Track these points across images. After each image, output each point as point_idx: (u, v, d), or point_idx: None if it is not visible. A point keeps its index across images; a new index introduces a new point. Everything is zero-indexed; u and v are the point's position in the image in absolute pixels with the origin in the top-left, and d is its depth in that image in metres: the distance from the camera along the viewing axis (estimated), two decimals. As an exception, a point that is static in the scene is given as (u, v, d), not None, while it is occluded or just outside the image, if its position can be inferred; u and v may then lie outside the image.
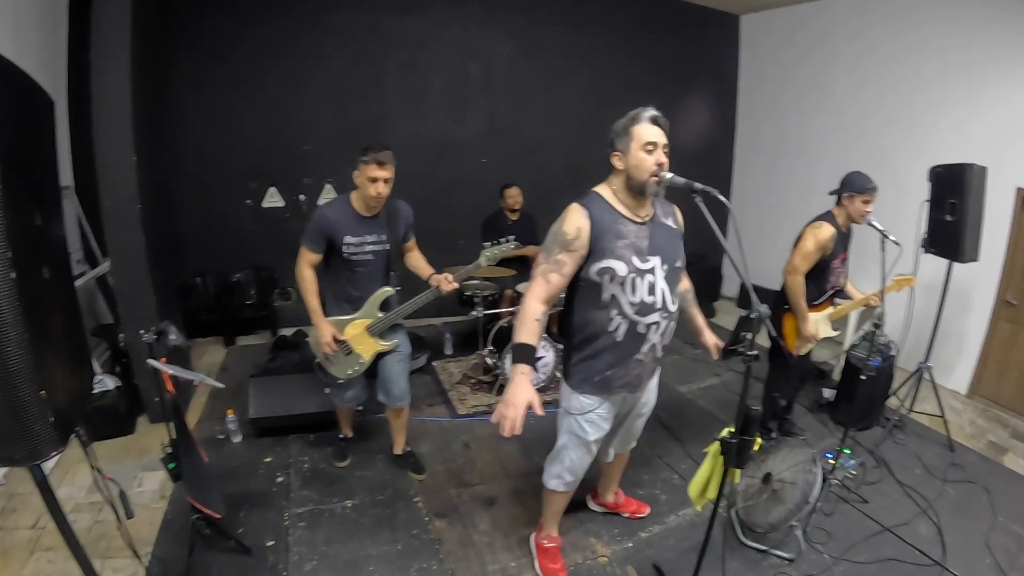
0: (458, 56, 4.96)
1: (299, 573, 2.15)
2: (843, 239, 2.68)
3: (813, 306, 2.71)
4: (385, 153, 2.18)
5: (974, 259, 3.09)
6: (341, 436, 2.94)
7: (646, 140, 1.63)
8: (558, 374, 3.82)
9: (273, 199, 4.67)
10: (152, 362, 1.79)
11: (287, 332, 4.42)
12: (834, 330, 2.85)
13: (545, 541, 2.20)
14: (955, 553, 2.31)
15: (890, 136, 4.47)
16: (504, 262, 4.10)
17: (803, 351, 2.80)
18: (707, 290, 6.17)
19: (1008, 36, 3.62)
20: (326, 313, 2.39)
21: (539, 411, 1.51)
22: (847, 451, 2.95)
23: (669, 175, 1.61)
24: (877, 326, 2.49)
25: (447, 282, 2.35)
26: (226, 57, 4.32)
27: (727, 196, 4.67)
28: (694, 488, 1.81)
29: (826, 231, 2.59)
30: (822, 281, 2.71)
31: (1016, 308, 3.73)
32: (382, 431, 2.88)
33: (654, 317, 1.73)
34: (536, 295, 1.67)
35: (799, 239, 2.67)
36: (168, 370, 1.79)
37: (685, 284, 1.98)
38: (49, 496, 1.28)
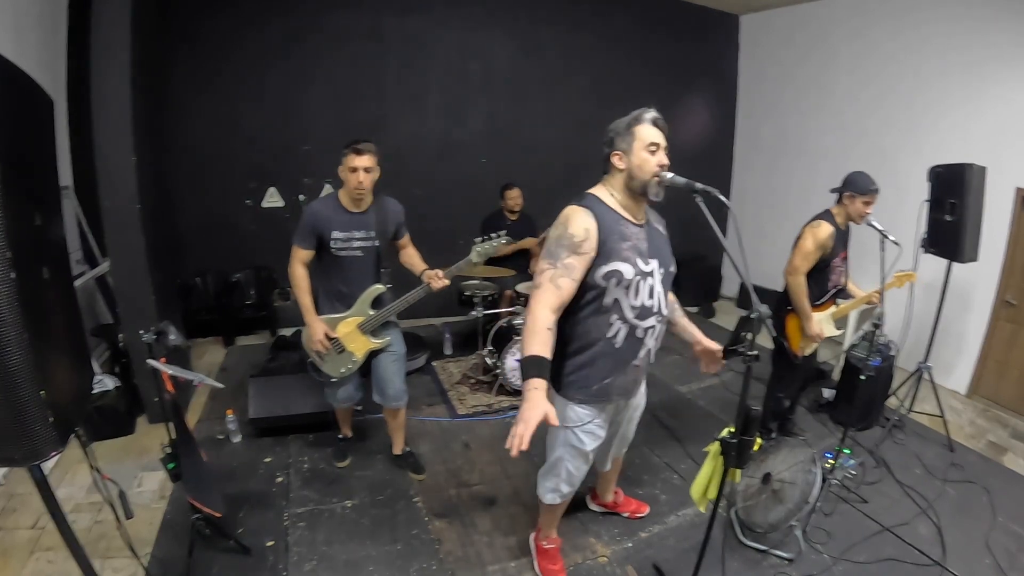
0: (458, 56, 4.96)
1: (299, 573, 2.15)
2: (842, 238, 2.68)
3: (816, 306, 2.71)
4: (364, 143, 2.20)
5: (974, 259, 3.09)
6: (341, 436, 2.94)
7: (650, 141, 1.63)
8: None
9: (273, 199, 4.67)
10: (152, 362, 1.79)
11: (287, 332, 4.42)
12: (837, 329, 2.85)
13: (544, 542, 2.20)
14: (955, 553, 2.31)
15: (890, 136, 4.47)
16: (503, 259, 4.13)
17: (807, 351, 2.80)
18: (707, 290, 6.17)
19: (1008, 36, 3.62)
20: (318, 311, 2.40)
21: (553, 422, 1.39)
22: (847, 451, 2.95)
23: (670, 175, 1.61)
24: (877, 326, 2.49)
25: (437, 278, 2.35)
26: (226, 57, 4.32)
27: (727, 196, 4.67)
28: (696, 489, 1.81)
29: (825, 230, 2.59)
30: (824, 281, 2.71)
31: (1016, 308, 3.74)
32: (382, 431, 2.88)
33: (651, 321, 1.72)
34: (545, 303, 1.54)
35: (798, 239, 2.67)
36: (168, 370, 1.79)
37: (671, 296, 1.90)
38: (49, 496, 1.28)
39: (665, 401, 3.66)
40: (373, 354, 2.51)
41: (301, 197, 4.70)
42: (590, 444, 1.86)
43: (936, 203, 3.13)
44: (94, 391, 2.95)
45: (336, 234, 2.30)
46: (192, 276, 4.57)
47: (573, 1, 5.24)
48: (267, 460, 2.90)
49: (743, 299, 5.98)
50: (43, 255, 1.20)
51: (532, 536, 2.30)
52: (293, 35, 4.44)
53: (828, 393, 3.60)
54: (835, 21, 4.94)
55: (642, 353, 1.76)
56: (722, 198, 1.49)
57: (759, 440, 1.66)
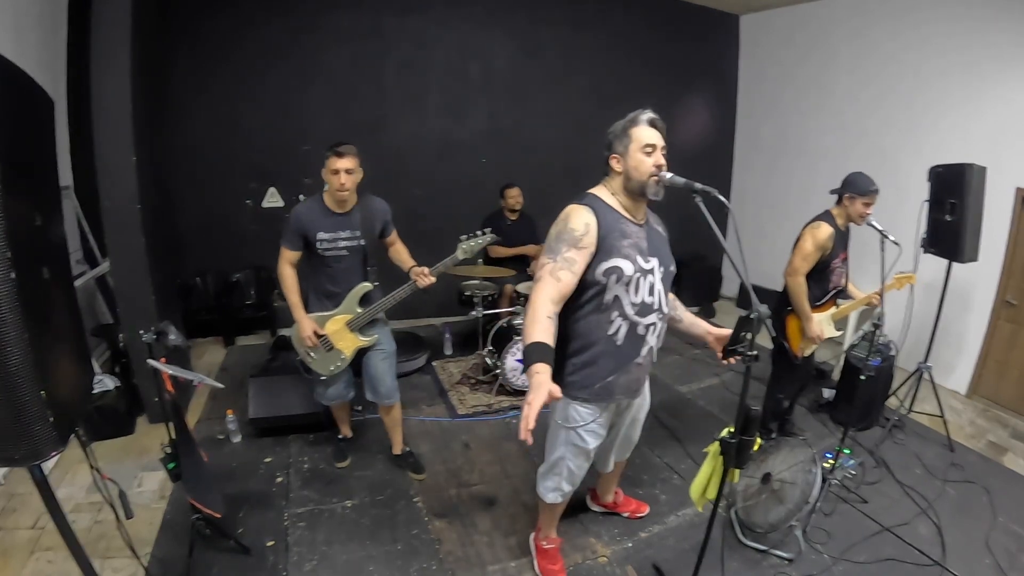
0: (458, 56, 4.96)
1: (299, 573, 2.15)
2: (842, 238, 2.68)
3: (816, 307, 2.71)
4: (345, 146, 2.24)
5: (974, 259, 3.09)
6: (340, 436, 2.94)
7: (645, 142, 1.63)
8: (558, 374, 3.82)
9: (273, 199, 4.67)
10: (152, 362, 1.79)
11: (287, 332, 4.38)
12: (837, 330, 2.85)
13: (544, 542, 2.20)
14: (955, 553, 2.31)
15: (890, 136, 4.47)
16: (503, 260, 4.13)
17: (807, 352, 2.80)
18: (707, 290, 6.17)
19: (1008, 36, 3.62)
20: (308, 310, 2.44)
21: (557, 395, 1.32)
22: (847, 451, 2.95)
23: (668, 175, 1.61)
24: (877, 326, 2.49)
25: (424, 276, 2.38)
26: (226, 57, 4.32)
27: (727, 196, 4.70)
28: (695, 489, 1.81)
29: (824, 231, 2.59)
30: (824, 281, 2.71)
31: (1016, 308, 3.74)
32: (381, 431, 2.88)
33: (652, 318, 1.72)
34: (545, 294, 1.53)
35: (798, 240, 2.68)
36: (168, 370, 1.79)
37: (670, 295, 1.92)
38: (49, 496, 1.28)
39: (665, 401, 3.66)
40: (362, 352, 2.54)
41: (301, 197, 4.69)
42: (592, 443, 1.87)
43: (936, 203, 3.13)
44: (94, 391, 2.95)
45: (322, 235, 2.34)
46: (192, 276, 4.58)
47: (573, 1, 5.24)
48: (267, 460, 2.90)
49: (743, 299, 5.98)
50: (43, 255, 1.20)
51: (532, 536, 2.30)
52: (293, 35, 4.44)
53: (828, 393, 3.60)
54: (835, 21, 4.94)
55: (644, 351, 1.76)
56: (721, 198, 1.49)
57: (759, 440, 1.66)
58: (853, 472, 2.83)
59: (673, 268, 1.81)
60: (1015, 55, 3.60)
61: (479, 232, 2.54)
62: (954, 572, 2.21)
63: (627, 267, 1.63)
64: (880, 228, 2.43)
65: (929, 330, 3.38)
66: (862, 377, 2.56)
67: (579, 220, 1.61)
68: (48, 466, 2.61)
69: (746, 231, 1.94)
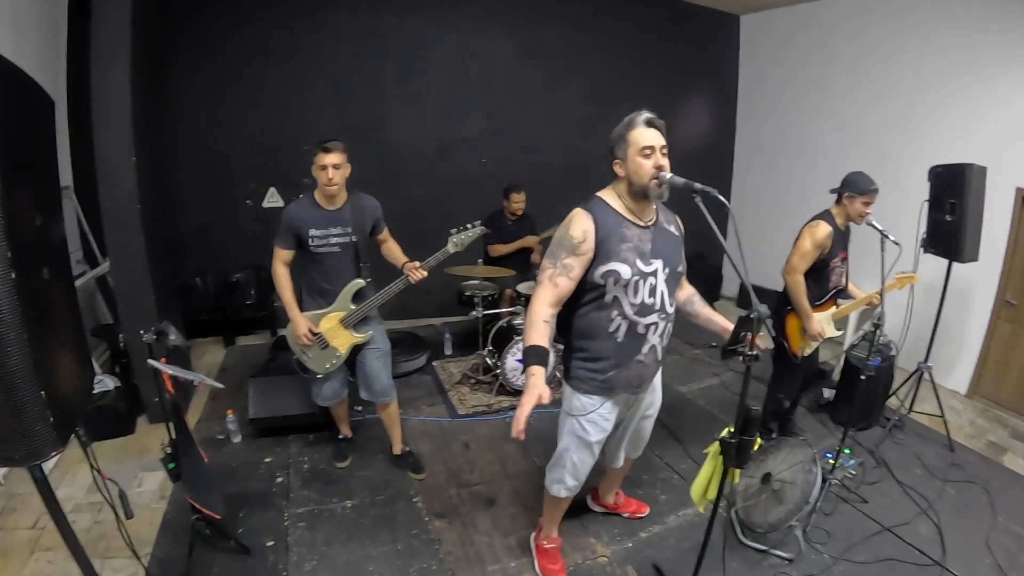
0: (458, 56, 4.96)
1: (299, 573, 2.15)
2: (842, 238, 2.67)
3: (816, 306, 2.71)
4: (332, 142, 2.28)
5: (974, 259, 3.09)
6: (340, 436, 2.94)
7: (642, 145, 1.64)
8: (558, 374, 3.82)
9: (273, 199, 4.67)
10: (152, 362, 1.79)
11: (287, 332, 4.41)
12: (837, 330, 2.85)
13: (545, 542, 2.20)
14: (955, 553, 2.31)
15: (890, 136, 4.47)
16: (504, 259, 4.13)
17: (808, 351, 2.80)
18: (707, 290, 6.15)
19: (1008, 36, 3.62)
20: (302, 308, 2.47)
21: (545, 400, 1.45)
22: (847, 451, 2.95)
23: (669, 175, 1.62)
24: (877, 326, 2.49)
25: (416, 270, 2.40)
26: (226, 57, 4.32)
27: (727, 196, 4.70)
28: (696, 489, 1.81)
29: (823, 230, 2.59)
30: (823, 281, 2.71)
31: (1016, 308, 3.74)
32: (381, 431, 2.88)
33: (653, 318, 1.74)
34: (544, 299, 1.67)
35: (797, 239, 2.68)
36: (168, 370, 1.79)
37: (688, 288, 1.99)
38: (49, 496, 1.28)
39: (665, 401, 3.57)
40: (357, 350, 2.55)
41: (300, 197, 4.70)
42: (595, 435, 1.88)
43: (936, 203, 3.13)
44: (94, 391, 2.95)
45: (313, 232, 2.36)
46: (192, 276, 4.57)
47: (573, 1, 5.24)
48: (267, 460, 2.90)
49: (743, 299, 5.98)
50: (43, 255, 1.20)
51: (532, 536, 2.30)
52: (293, 35, 4.44)
53: (828, 393, 3.59)
54: (835, 21, 4.94)
55: (645, 349, 1.78)
56: (721, 198, 1.49)
57: (759, 440, 1.67)
58: (853, 472, 2.83)
59: (682, 268, 1.83)
60: (1015, 55, 3.60)
61: (469, 225, 2.56)
62: (954, 572, 2.21)
63: (624, 271, 1.66)
64: (880, 228, 2.43)
65: (929, 330, 3.38)
66: (862, 377, 2.55)
67: (578, 227, 1.66)
68: (48, 466, 2.61)
69: (746, 231, 1.94)
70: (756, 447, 1.60)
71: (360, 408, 3.27)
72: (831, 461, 2.72)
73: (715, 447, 1.67)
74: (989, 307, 3.87)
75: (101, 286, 3.83)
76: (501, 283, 4.11)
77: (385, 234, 2.58)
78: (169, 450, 1.94)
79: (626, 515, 2.52)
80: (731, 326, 1.83)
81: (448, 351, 4.39)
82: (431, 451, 3.04)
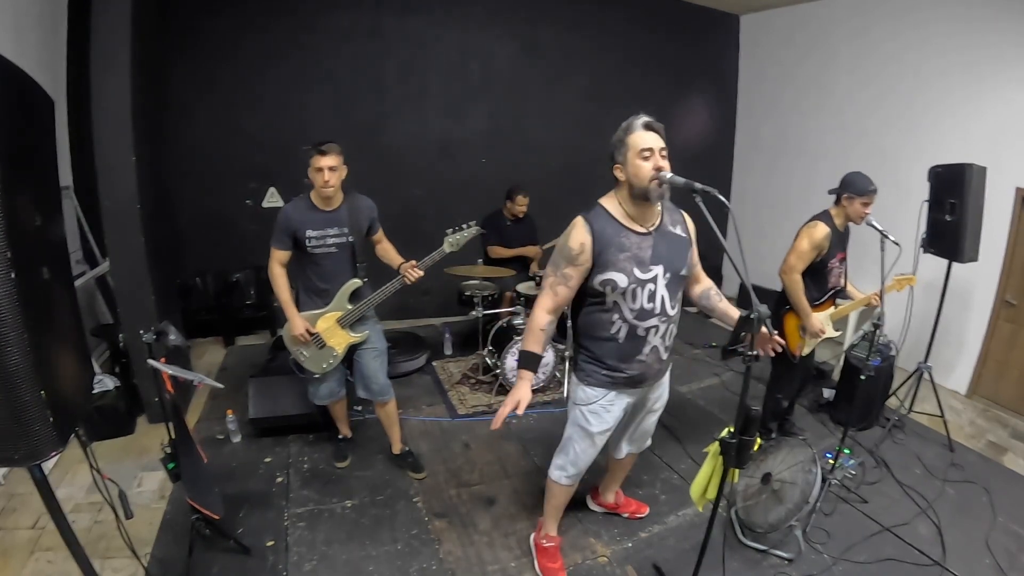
0: (458, 56, 4.96)
1: (299, 573, 2.15)
2: (840, 239, 2.67)
3: (814, 306, 2.71)
4: (328, 144, 2.29)
5: (974, 259, 3.09)
6: (340, 436, 2.94)
7: (641, 147, 1.65)
8: (558, 374, 3.83)
9: (273, 199, 4.67)
10: (152, 362, 1.79)
11: (283, 330, 4.41)
12: (835, 331, 2.85)
13: (544, 541, 2.21)
14: (955, 553, 2.31)
15: (890, 136, 4.47)
16: (503, 261, 4.13)
17: (806, 350, 2.80)
18: (707, 290, 6.17)
19: (1008, 36, 3.62)
20: (299, 308, 2.48)
21: (520, 411, 1.68)
22: (847, 451, 2.95)
23: (669, 175, 1.62)
24: (877, 326, 2.49)
25: (412, 269, 2.41)
26: (226, 57, 4.32)
27: (727, 196, 4.70)
28: (696, 489, 1.82)
29: (820, 230, 2.58)
30: (822, 282, 2.71)
31: (1016, 308, 3.74)
32: (381, 431, 2.88)
33: (653, 321, 1.77)
34: (544, 306, 1.78)
35: (795, 239, 2.68)
36: (168, 370, 1.79)
37: (705, 283, 2.02)
38: (49, 496, 1.28)
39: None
40: (354, 350, 2.56)
41: (296, 198, 4.70)
42: (597, 426, 1.91)
43: (936, 203, 3.13)
44: (94, 391, 2.95)
45: (310, 232, 2.37)
46: (192, 276, 4.58)
47: (573, 1, 5.24)
48: (267, 460, 2.90)
49: (743, 299, 5.98)
50: (43, 255, 1.20)
51: (532, 535, 2.30)
52: (293, 35, 4.44)
53: (828, 393, 3.59)
54: (835, 21, 4.94)
55: (646, 349, 1.81)
56: (721, 198, 1.49)
57: (759, 440, 1.67)
58: (853, 472, 2.83)
59: (685, 272, 1.84)
60: (1015, 55, 3.60)
61: (465, 225, 2.57)
62: (954, 572, 2.21)
63: (621, 280, 1.71)
64: (880, 228, 2.43)
65: (929, 330, 3.38)
66: (862, 377, 2.55)
67: (576, 239, 1.72)
68: (48, 466, 2.61)
69: (746, 231, 1.94)
70: (756, 447, 1.60)
71: (360, 408, 3.27)
72: (831, 461, 2.72)
73: (715, 447, 1.68)
74: (989, 307, 3.87)
75: (101, 286, 3.83)
76: (501, 283, 4.11)
77: (380, 235, 2.59)
78: (169, 450, 1.94)
79: (626, 515, 2.52)
80: None
81: (448, 351, 4.39)
82: (431, 451, 3.04)
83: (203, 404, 3.49)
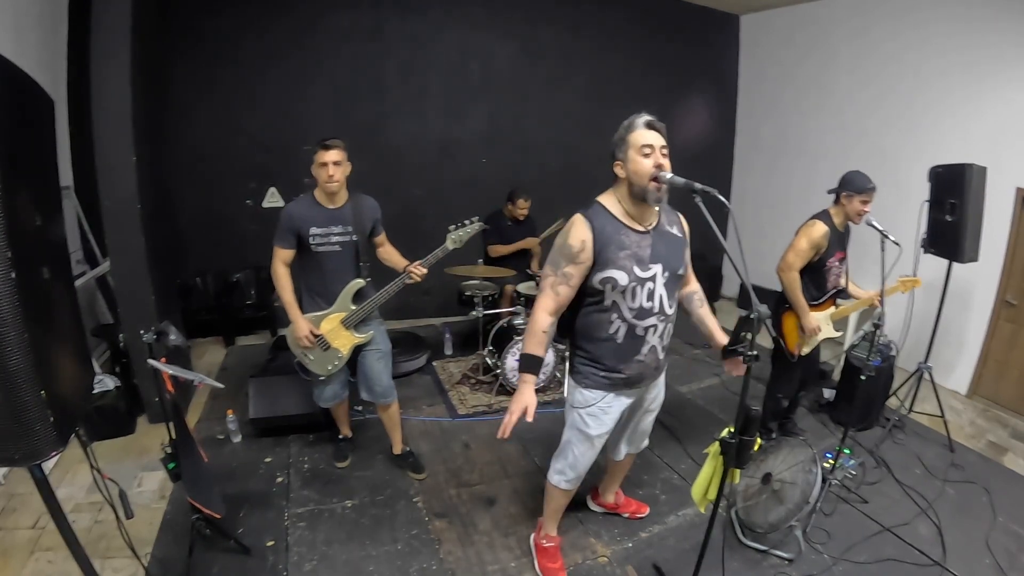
0: (458, 56, 4.96)
1: (299, 573, 2.15)
2: (839, 238, 2.67)
3: (815, 305, 2.71)
4: (332, 140, 2.28)
5: (974, 259, 3.09)
6: (340, 436, 2.94)
7: (642, 143, 1.65)
8: (558, 374, 3.83)
9: (273, 199, 4.67)
10: (152, 362, 1.79)
11: (287, 332, 4.42)
12: (836, 331, 2.85)
13: (544, 541, 2.21)
14: (955, 553, 2.31)
15: (890, 136, 4.47)
16: (504, 259, 4.13)
17: (806, 350, 2.80)
18: (707, 290, 6.09)
19: (1008, 36, 3.62)
20: (302, 310, 2.45)
21: (529, 418, 1.64)
22: (847, 451, 2.95)
23: (668, 175, 1.62)
24: (877, 326, 2.49)
25: (416, 268, 2.40)
26: (226, 57, 4.32)
27: (727, 196, 4.70)
28: (697, 490, 1.81)
29: (819, 229, 2.59)
30: (822, 281, 2.71)
31: (1016, 308, 3.74)
32: (381, 431, 2.88)
33: (652, 321, 1.77)
34: (545, 307, 1.74)
35: (794, 238, 2.68)
36: (168, 370, 1.79)
37: (693, 286, 2.02)
38: (49, 496, 1.28)
39: (665, 401, 3.59)
40: (358, 351, 2.54)
41: (300, 196, 4.70)
42: (595, 429, 1.90)
43: (936, 203, 3.13)
44: (94, 391, 2.95)
45: (314, 230, 2.35)
46: (192, 276, 4.58)
47: (573, 1, 5.24)
48: (267, 460, 2.90)
49: (743, 299, 5.98)
50: (43, 255, 1.20)
51: (532, 535, 2.30)
52: (293, 35, 4.44)
53: (828, 393, 3.60)
54: (835, 21, 4.94)
55: (645, 349, 1.80)
56: (721, 198, 1.49)
57: (759, 440, 1.67)
58: (853, 472, 2.83)
59: (682, 271, 1.84)
60: (1015, 55, 3.60)
61: (467, 221, 2.56)
62: (954, 572, 2.21)
63: (622, 278, 1.69)
64: (880, 228, 2.43)
65: (929, 330, 3.38)
66: (862, 377, 2.55)
67: (576, 237, 1.70)
68: (48, 466, 2.61)
69: (746, 231, 1.95)
70: (756, 447, 1.60)
71: (360, 408, 3.27)
72: (831, 461, 2.72)
73: (715, 447, 1.67)
74: (989, 307, 3.87)
75: (101, 286, 3.83)
76: (501, 283, 4.11)
77: (382, 237, 2.58)
78: (169, 450, 1.94)
79: (626, 515, 2.52)
80: (719, 333, 1.88)
81: (448, 351, 4.39)
82: (431, 451, 3.04)
83: (203, 404, 3.49)
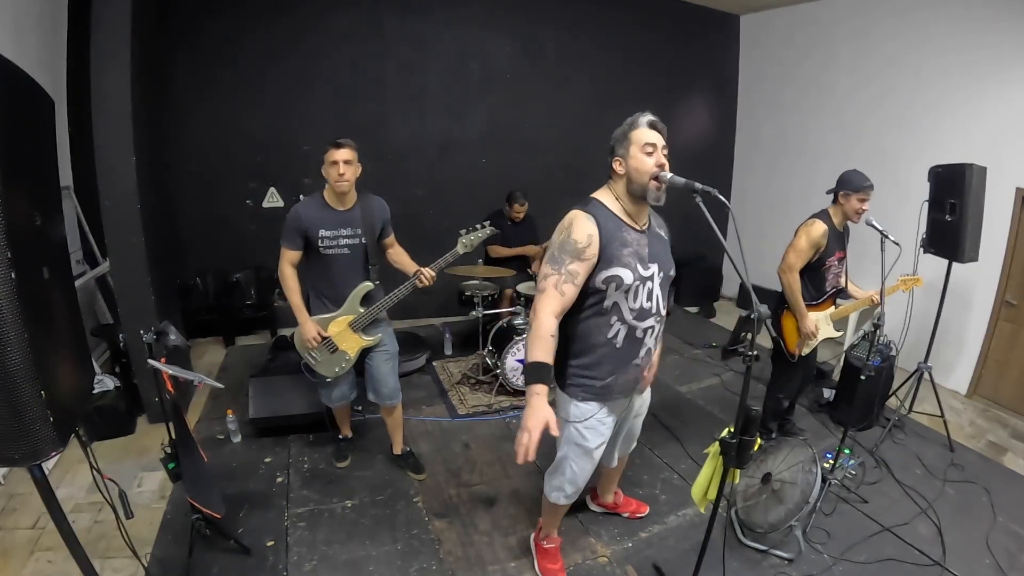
0: (458, 56, 4.96)
1: (299, 573, 2.15)
2: (839, 237, 2.68)
3: (814, 305, 2.71)
4: (343, 140, 2.25)
5: (974, 259, 3.09)
6: (341, 436, 2.94)
7: (644, 141, 1.64)
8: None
9: (273, 199, 4.67)
10: (152, 362, 1.79)
11: (287, 332, 4.39)
12: (836, 331, 2.85)
13: (545, 542, 2.20)
14: (955, 553, 2.31)
15: (890, 136, 4.47)
16: (503, 260, 4.13)
17: (806, 351, 2.80)
18: (707, 290, 6.17)
19: (1008, 36, 3.62)
20: (309, 312, 2.42)
21: (554, 431, 1.47)
22: (847, 451, 2.95)
23: (669, 175, 1.62)
24: (877, 326, 2.49)
25: (426, 272, 2.39)
26: (226, 57, 4.32)
27: (727, 196, 4.70)
28: (697, 490, 1.81)
29: (818, 228, 2.59)
30: (821, 281, 2.71)
31: (1016, 308, 3.74)
32: (382, 431, 2.88)
33: (650, 322, 1.75)
34: (549, 309, 1.59)
35: (793, 237, 2.68)
36: (168, 370, 1.79)
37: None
38: (49, 496, 1.28)
39: (665, 401, 3.66)
40: (366, 352, 2.53)
41: (301, 197, 4.67)
42: (594, 442, 1.87)
43: (936, 203, 3.13)
44: (94, 391, 2.95)
45: (323, 232, 2.32)
46: (192, 276, 4.58)
47: (573, 1, 5.24)
48: (267, 460, 2.90)
49: (743, 299, 5.98)
50: (43, 255, 1.21)
51: (532, 536, 2.30)
52: (293, 35, 4.44)
53: (828, 393, 3.59)
54: (835, 21, 4.94)
55: (642, 352, 1.78)
56: (721, 198, 1.49)
57: (759, 440, 1.67)
58: (853, 472, 2.83)
59: (672, 272, 1.82)
60: (1015, 55, 3.60)
61: (479, 225, 2.55)
62: (954, 572, 2.21)
63: (627, 276, 1.64)
64: (880, 228, 2.43)
65: (929, 330, 3.38)
66: (862, 377, 2.55)
67: (582, 231, 1.61)
68: (48, 466, 2.61)
69: (746, 231, 1.94)
70: (756, 447, 1.60)
71: (360, 408, 3.27)
72: (831, 461, 2.72)
73: (715, 447, 1.67)
74: (989, 307, 3.87)
75: (101, 286, 3.83)
76: (501, 283, 4.12)
77: (391, 239, 2.55)
78: (169, 450, 1.94)
79: (626, 515, 2.52)
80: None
81: (448, 351, 4.39)
82: (431, 451, 3.04)
83: (203, 404, 3.49)
